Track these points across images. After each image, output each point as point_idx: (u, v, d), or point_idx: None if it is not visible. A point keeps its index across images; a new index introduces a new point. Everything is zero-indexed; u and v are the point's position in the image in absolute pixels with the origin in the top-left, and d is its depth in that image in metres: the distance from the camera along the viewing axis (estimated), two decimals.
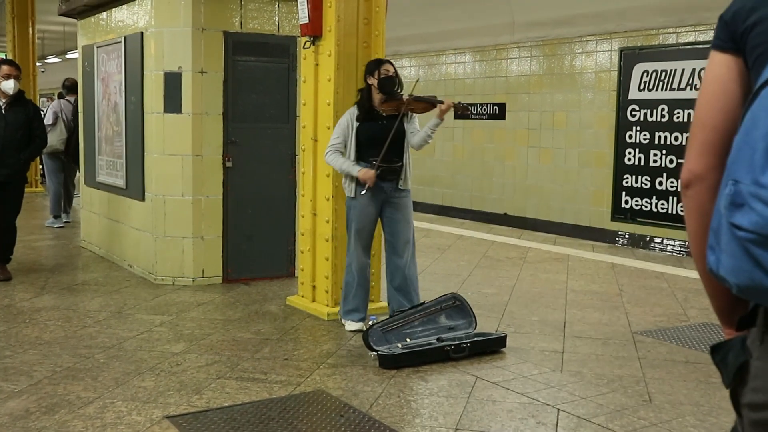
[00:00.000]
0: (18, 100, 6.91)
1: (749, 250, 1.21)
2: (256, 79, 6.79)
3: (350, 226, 5.39)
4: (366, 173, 5.15)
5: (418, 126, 5.42)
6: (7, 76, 6.82)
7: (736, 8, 1.53)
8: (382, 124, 5.28)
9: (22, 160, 6.89)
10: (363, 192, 5.21)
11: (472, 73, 12.24)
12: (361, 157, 5.27)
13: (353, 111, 5.35)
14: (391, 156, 5.26)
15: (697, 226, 1.59)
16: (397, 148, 5.30)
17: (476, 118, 12.00)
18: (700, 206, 1.56)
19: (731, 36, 1.53)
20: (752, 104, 1.30)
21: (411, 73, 13.45)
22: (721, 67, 1.55)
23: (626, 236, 9.74)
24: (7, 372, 4.49)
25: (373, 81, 5.29)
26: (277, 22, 6.89)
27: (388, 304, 5.53)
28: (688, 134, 7.68)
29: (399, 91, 5.35)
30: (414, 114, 5.41)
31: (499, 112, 11.68)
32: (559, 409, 4.02)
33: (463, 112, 5.46)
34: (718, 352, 1.61)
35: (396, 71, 5.37)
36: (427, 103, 5.38)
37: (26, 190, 14.05)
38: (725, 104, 1.53)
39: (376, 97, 5.31)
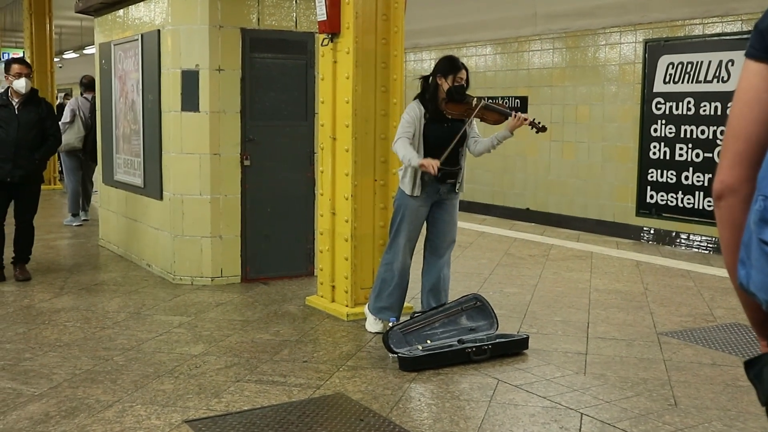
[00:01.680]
0: (30, 99, 6.94)
1: None
2: (274, 77, 6.81)
3: (400, 225, 5.30)
4: (430, 161, 5.05)
5: (477, 132, 5.37)
6: (18, 75, 6.84)
7: None
8: (447, 127, 5.20)
9: (37, 160, 6.91)
10: (438, 175, 5.05)
11: (494, 65, 12.20)
12: (425, 157, 5.17)
13: (420, 107, 5.22)
14: (451, 159, 5.20)
15: (729, 239, 1.57)
16: (458, 153, 5.25)
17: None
18: (732, 219, 1.54)
19: (766, 46, 1.51)
20: None
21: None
22: (756, 76, 1.53)
23: (651, 232, 9.68)
24: (28, 375, 4.54)
25: (443, 83, 5.18)
26: (294, 18, 6.91)
27: (421, 304, 5.52)
28: (714, 127, 7.64)
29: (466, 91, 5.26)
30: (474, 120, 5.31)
31: (520, 106, 11.63)
32: (582, 414, 4.01)
33: (540, 130, 5.28)
34: (752, 366, 1.58)
35: (468, 75, 5.25)
36: (500, 115, 5.27)
37: (44, 188, 14.22)
38: (759, 114, 1.51)
39: (441, 96, 5.21)
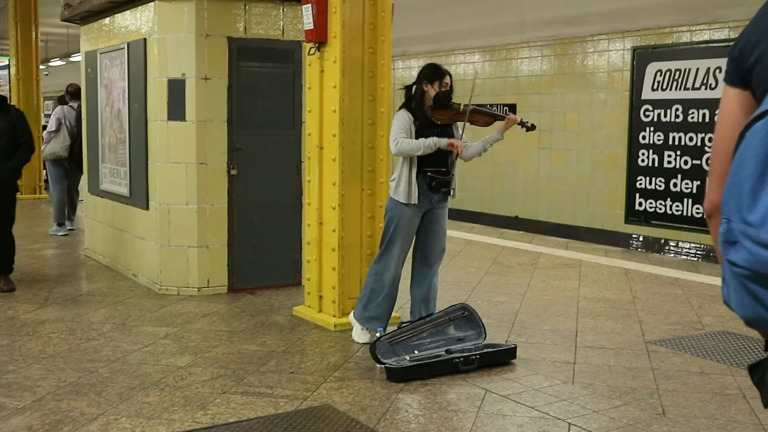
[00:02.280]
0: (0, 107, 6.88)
1: (746, 285, 1.26)
2: (261, 85, 6.81)
3: (394, 236, 5.28)
4: (459, 141, 5.07)
5: (465, 138, 5.39)
6: None
7: (742, 45, 1.59)
8: (437, 133, 5.22)
9: (9, 170, 6.83)
10: (453, 158, 5.12)
11: (482, 73, 12.24)
12: (419, 166, 5.20)
13: (408, 115, 5.23)
14: (442, 167, 5.22)
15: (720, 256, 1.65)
16: (448, 159, 5.26)
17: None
18: None
19: (739, 72, 1.59)
20: (740, 144, 1.35)
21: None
22: (732, 101, 1.62)
23: (640, 239, 9.72)
24: (11, 387, 4.52)
25: (430, 90, 5.20)
26: (281, 27, 6.92)
27: (411, 314, 5.52)
28: (702, 134, 7.70)
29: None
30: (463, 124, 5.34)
31: (509, 113, 11.67)
32: (570, 424, 4.02)
33: (530, 128, 5.34)
34: (756, 370, 1.63)
35: (452, 83, 5.29)
36: (489, 117, 5.31)
37: (30, 197, 14.15)
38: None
39: (428, 103, 5.23)
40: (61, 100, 11.67)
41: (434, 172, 5.20)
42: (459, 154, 5.09)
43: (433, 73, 5.26)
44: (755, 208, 1.13)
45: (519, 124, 5.27)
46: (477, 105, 5.37)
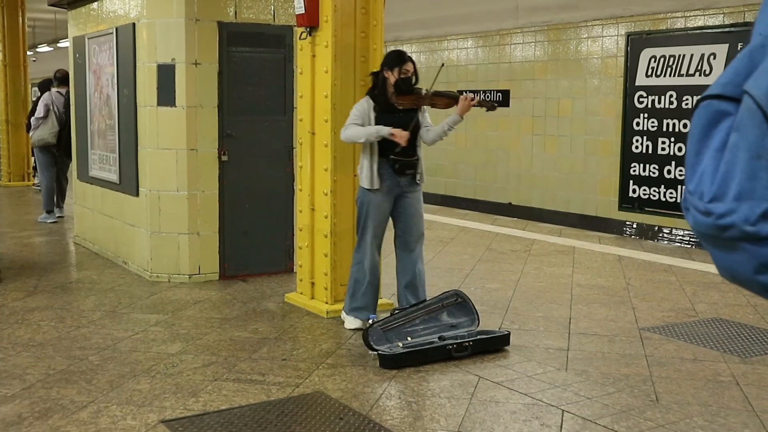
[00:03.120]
0: None
1: (704, 247, 1.39)
2: (252, 71, 6.78)
3: (366, 222, 5.34)
4: (401, 132, 5.10)
5: (429, 121, 5.42)
6: None
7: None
8: (399, 117, 5.24)
9: None
10: (397, 150, 5.13)
11: (475, 59, 12.21)
12: (381, 152, 5.25)
13: (369, 101, 5.30)
14: (407, 150, 5.25)
15: None
16: (413, 143, 5.29)
17: (479, 106, 11.97)
18: None
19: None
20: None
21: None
22: None
23: (634, 226, 9.74)
24: (0, 375, 4.51)
25: (391, 76, 5.24)
26: (272, 11, 6.88)
27: (398, 301, 5.54)
28: None
29: (415, 84, 5.32)
30: (426, 108, 5.40)
31: (502, 100, 11.66)
32: (563, 410, 4.04)
33: (490, 107, 5.37)
34: None
35: (415, 68, 5.32)
36: (449, 99, 5.33)
37: (18, 184, 14.09)
38: None
39: (390, 89, 5.27)
40: (42, 85, 11.62)
41: (397, 155, 5.23)
42: (401, 143, 5.10)
43: (394, 59, 5.30)
44: (692, 178, 1.32)
45: (479, 104, 5.28)
46: (442, 91, 5.40)
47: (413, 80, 5.29)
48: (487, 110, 5.38)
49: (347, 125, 5.25)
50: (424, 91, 5.29)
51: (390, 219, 5.45)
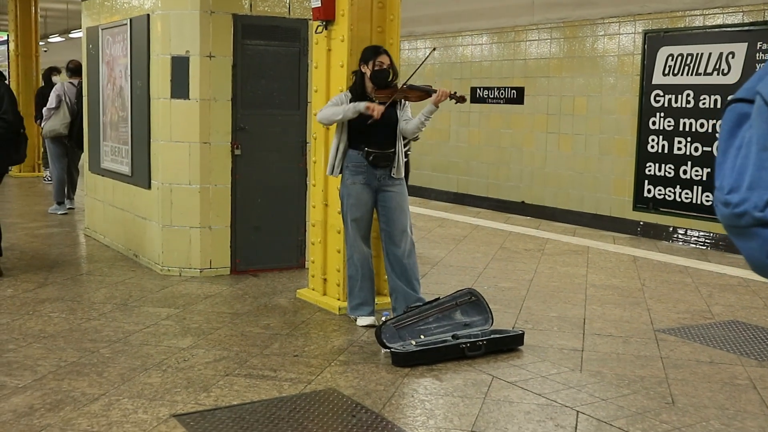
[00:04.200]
0: None
1: (731, 239, 1.50)
2: (266, 64, 6.78)
3: (346, 216, 5.45)
4: (375, 105, 5.16)
5: (410, 114, 5.48)
6: None
7: None
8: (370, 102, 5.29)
9: None
10: (369, 122, 5.17)
11: (490, 55, 12.18)
12: (353, 145, 5.34)
13: (347, 93, 5.40)
14: (383, 143, 5.33)
15: None
16: (390, 136, 5.37)
17: (493, 103, 11.96)
18: None
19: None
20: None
21: (425, 54, 13.38)
22: None
23: (649, 227, 9.70)
24: (11, 366, 4.52)
25: (367, 70, 5.33)
26: (288, 4, 6.87)
27: (390, 294, 5.54)
28: (714, 121, 7.79)
29: (393, 81, 5.40)
30: (407, 102, 5.47)
31: (516, 97, 11.63)
32: (578, 411, 4.02)
33: (459, 100, 5.49)
34: None
35: (392, 62, 5.39)
36: (422, 92, 5.43)
37: (28, 175, 14.14)
38: None
39: (368, 84, 5.36)
40: (44, 75, 11.62)
41: (371, 147, 5.27)
42: (375, 116, 5.13)
43: (369, 53, 5.37)
44: (719, 175, 1.46)
45: (450, 97, 5.34)
46: (416, 84, 5.46)
47: (389, 73, 5.35)
48: (456, 102, 5.50)
49: (324, 107, 5.36)
50: (401, 86, 5.35)
51: (376, 212, 5.50)
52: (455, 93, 5.40)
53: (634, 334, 5.42)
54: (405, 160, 5.62)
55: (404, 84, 5.35)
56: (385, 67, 5.32)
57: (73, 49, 14.80)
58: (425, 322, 5.00)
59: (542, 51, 11.26)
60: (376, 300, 5.59)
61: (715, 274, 7.33)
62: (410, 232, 5.48)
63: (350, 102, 5.31)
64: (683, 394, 4.33)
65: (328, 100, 5.48)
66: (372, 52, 5.36)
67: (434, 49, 6.21)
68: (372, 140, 5.30)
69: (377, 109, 5.14)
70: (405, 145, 5.74)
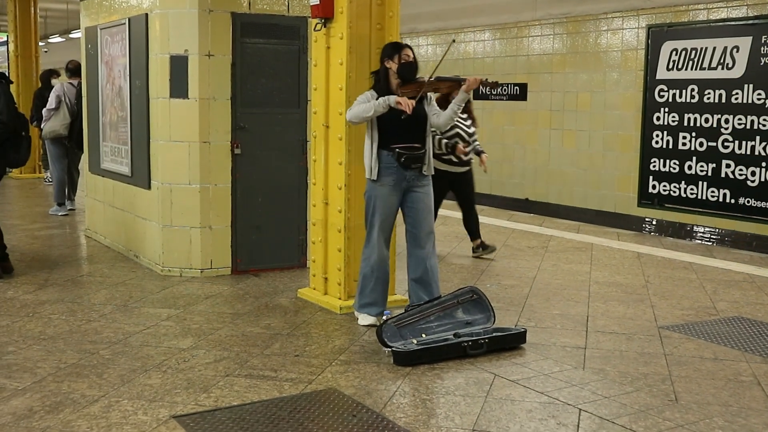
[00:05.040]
0: None
1: None
2: (266, 62, 6.79)
3: (372, 217, 5.37)
4: (406, 99, 5.10)
5: (437, 108, 5.45)
6: None
7: None
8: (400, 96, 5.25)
9: None
10: (403, 117, 5.13)
11: (492, 51, 12.17)
12: (382, 144, 5.27)
13: (372, 93, 5.33)
14: (413, 142, 5.27)
15: None
16: (419, 134, 5.32)
17: (496, 99, 11.95)
18: None
19: None
20: None
21: (428, 52, 13.40)
22: None
23: (653, 223, 9.70)
24: (11, 369, 4.54)
25: (392, 65, 5.28)
26: (287, 2, 6.88)
27: (409, 297, 5.55)
28: (718, 116, 7.87)
29: (416, 74, 5.37)
30: (432, 97, 5.43)
31: (520, 93, 11.62)
32: (580, 409, 4.03)
33: (492, 86, 5.48)
34: None
35: (415, 57, 5.36)
36: (453, 82, 5.42)
37: (29, 176, 14.17)
38: None
39: (394, 81, 5.31)
40: (42, 77, 11.64)
41: (403, 148, 5.23)
42: (407, 110, 5.08)
43: (392, 48, 5.36)
44: None
45: (482, 83, 5.33)
46: (443, 76, 5.47)
47: (416, 65, 5.32)
48: (489, 89, 5.53)
49: (352, 106, 5.30)
50: (427, 78, 5.31)
51: (401, 213, 5.45)
52: (486, 79, 5.38)
53: (637, 331, 5.42)
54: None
55: (430, 76, 5.30)
56: (411, 59, 5.29)
57: (74, 50, 14.84)
58: (426, 320, 5.01)
59: (545, 47, 11.25)
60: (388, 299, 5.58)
61: (720, 270, 7.32)
62: (434, 233, 5.50)
63: (376, 99, 5.25)
64: (687, 391, 4.33)
65: (355, 100, 5.37)
66: (395, 47, 5.33)
67: (453, 40, 6.19)
68: (401, 137, 5.24)
69: (409, 103, 5.09)
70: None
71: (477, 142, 7.84)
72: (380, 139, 5.28)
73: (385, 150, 5.27)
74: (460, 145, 7.38)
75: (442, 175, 7.20)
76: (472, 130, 7.73)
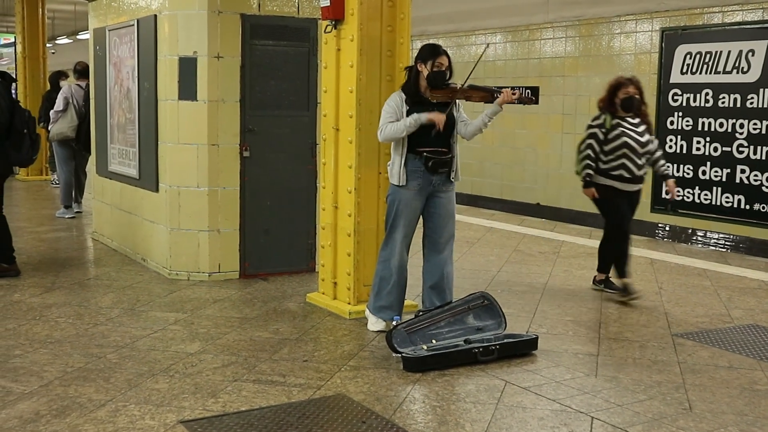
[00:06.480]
0: None
1: None
2: (275, 65, 6.80)
3: (395, 221, 5.35)
4: (438, 114, 5.10)
5: (465, 116, 5.42)
6: None
7: None
8: (432, 111, 5.22)
9: None
10: (433, 132, 5.12)
11: (504, 54, 12.17)
12: (409, 148, 5.25)
13: (401, 95, 5.31)
14: (440, 144, 5.26)
15: None
16: (447, 139, 5.30)
17: (507, 103, 11.93)
18: None
19: None
20: None
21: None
22: None
23: (666, 229, 9.67)
24: (17, 372, 4.56)
25: (424, 70, 5.24)
26: (297, 4, 6.90)
27: (422, 302, 5.55)
28: (733, 120, 7.82)
29: (449, 79, 5.32)
30: (460, 103, 5.40)
31: (533, 96, 11.61)
32: (593, 418, 4.01)
33: (528, 101, 5.37)
34: None
35: (450, 62, 5.31)
36: (486, 93, 5.34)
37: (37, 178, 14.23)
38: None
39: (423, 83, 5.28)
40: (51, 78, 11.69)
41: (430, 153, 5.22)
42: (439, 128, 5.09)
43: (428, 52, 5.29)
44: None
45: (519, 101, 5.26)
46: (478, 85, 5.40)
47: (447, 75, 5.28)
48: (525, 104, 5.39)
49: (382, 126, 5.25)
50: (459, 86, 5.27)
51: (420, 218, 5.45)
52: (527, 93, 5.31)
53: (650, 339, 5.40)
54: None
55: (464, 84, 5.25)
56: (443, 69, 5.25)
57: (81, 51, 14.89)
58: (437, 326, 5.00)
59: (557, 50, 11.24)
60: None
61: (734, 277, 7.29)
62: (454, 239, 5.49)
63: (405, 102, 5.25)
64: (701, 399, 4.31)
65: (384, 107, 5.31)
66: (431, 52, 5.27)
67: (488, 45, 6.14)
68: (429, 142, 5.20)
69: (441, 120, 5.08)
70: None
71: (663, 162, 6.58)
72: (408, 143, 5.25)
73: (413, 154, 5.25)
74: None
75: (618, 193, 6.49)
76: (645, 138, 6.45)
